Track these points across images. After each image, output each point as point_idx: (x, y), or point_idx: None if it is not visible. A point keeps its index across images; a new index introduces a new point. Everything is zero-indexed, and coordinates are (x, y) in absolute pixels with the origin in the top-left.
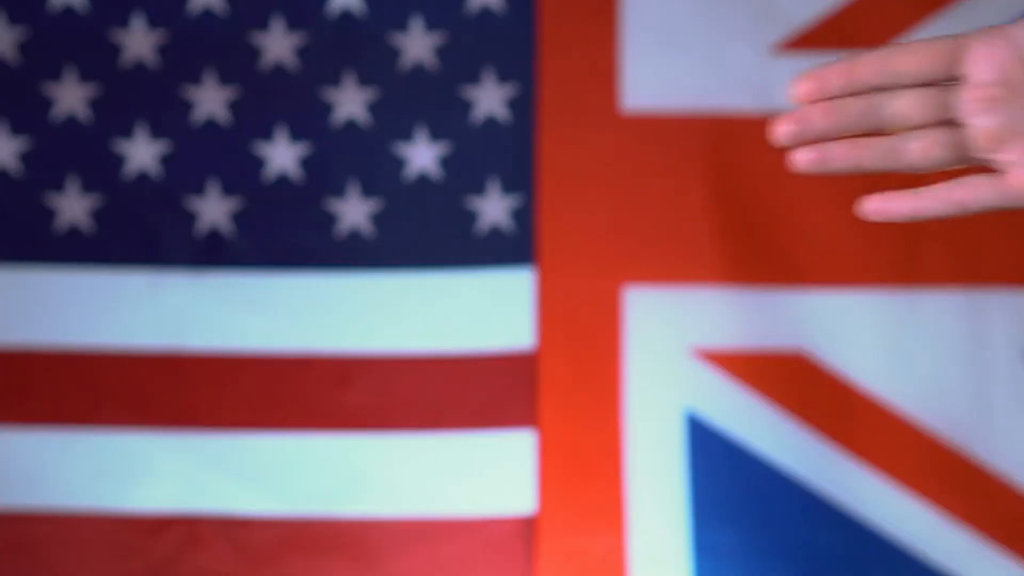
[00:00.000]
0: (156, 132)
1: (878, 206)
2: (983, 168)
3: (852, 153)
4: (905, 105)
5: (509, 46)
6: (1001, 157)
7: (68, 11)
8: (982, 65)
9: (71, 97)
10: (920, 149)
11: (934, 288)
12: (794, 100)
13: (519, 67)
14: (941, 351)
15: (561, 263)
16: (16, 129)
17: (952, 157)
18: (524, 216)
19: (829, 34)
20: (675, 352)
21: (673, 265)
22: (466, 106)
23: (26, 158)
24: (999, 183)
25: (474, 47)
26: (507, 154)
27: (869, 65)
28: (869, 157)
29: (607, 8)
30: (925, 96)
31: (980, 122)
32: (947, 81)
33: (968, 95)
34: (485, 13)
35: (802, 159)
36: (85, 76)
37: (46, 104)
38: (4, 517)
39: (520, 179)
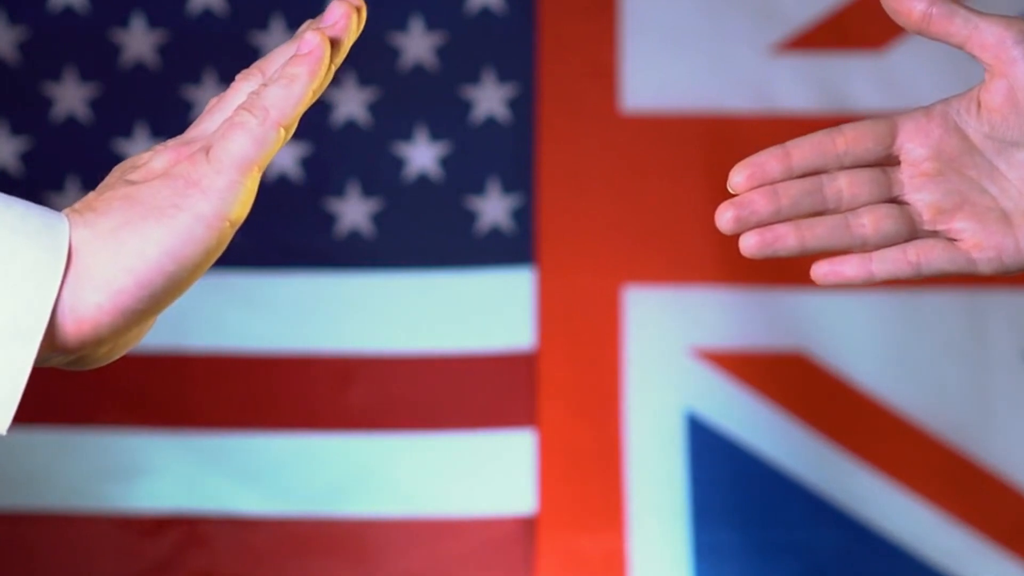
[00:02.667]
0: (156, 132)
1: (829, 270)
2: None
3: (798, 234)
4: (846, 184)
5: (509, 46)
6: (948, 228)
7: (68, 11)
8: (915, 142)
9: (71, 97)
10: (872, 223)
11: (934, 288)
12: (733, 189)
13: (519, 67)
14: (941, 351)
15: (561, 263)
16: (16, 129)
17: (903, 230)
18: (524, 216)
19: (829, 34)
20: (675, 352)
21: (673, 265)
22: (466, 106)
23: (26, 158)
24: (952, 249)
25: (474, 47)
26: (507, 154)
27: (805, 149)
28: (816, 236)
29: (607, 8)
30: (866, 175)
31: (922, 198)
32: (885, 161)
33: (905, 172)
34: (485, 13)
35: (748, 244)
36: (85, 76)
37: (46, 104)
38: (4, 517)
39: (520, 179)
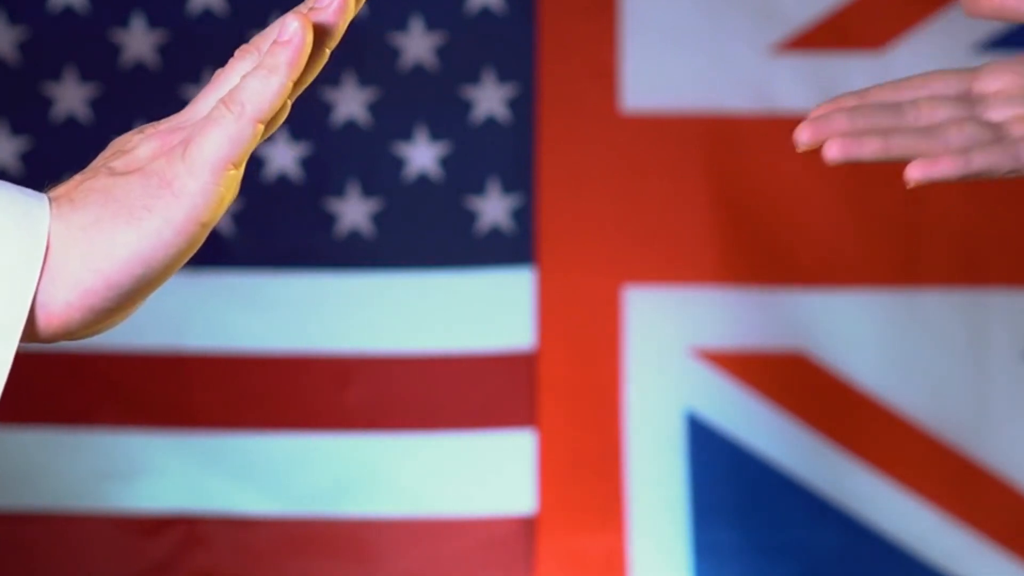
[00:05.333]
0: None
1: (924, 168)
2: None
3: (882, 138)
4: (926, 104)
5: (509, 46)
6: None
7: (68, 11)
8: (995, 75)
9: (71, 97)
10: (956, 127)
11: (934, 288)
12: (813, 115)
13: (519, 67)
14: (941, 351)
15: (561, 263)
16: (16, 129)
17: (989, 136)
18: (524, 216)
19: (829, 34)
20: (675, 352)
21: (673, 265)
22: (466, 106)
23: (26, 158)
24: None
25: (474, 47)
26: (507, 154)
27: (883, 92)
28: (901, 139)
29: (607, 8)
30: (947, 99)
31: (1008, 112)
32: (964, 97)
33: (989, 99)
34: (485, 13)
35: (831, 151)
36: (85, 76)
37: (46, 104)
38: (4, 517)
39: (520, 179)
